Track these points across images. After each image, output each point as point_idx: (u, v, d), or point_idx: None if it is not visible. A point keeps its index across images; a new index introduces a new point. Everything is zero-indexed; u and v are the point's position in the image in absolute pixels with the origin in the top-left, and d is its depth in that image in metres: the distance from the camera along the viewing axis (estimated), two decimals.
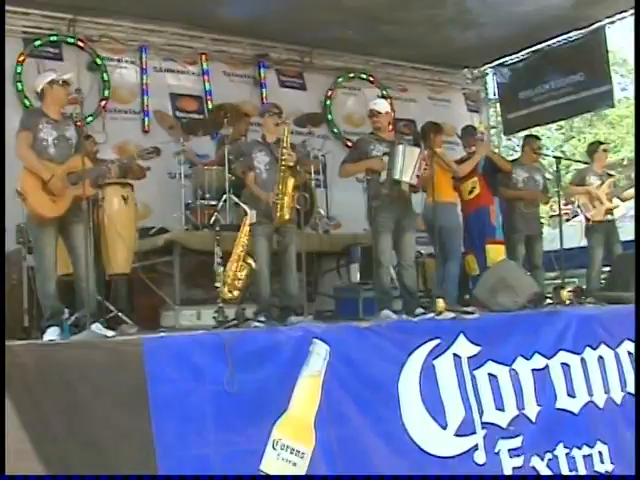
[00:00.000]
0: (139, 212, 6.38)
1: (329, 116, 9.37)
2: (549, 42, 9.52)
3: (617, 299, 6.34)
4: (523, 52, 9.88)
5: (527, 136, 8.26)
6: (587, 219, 7.69)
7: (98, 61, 8.03)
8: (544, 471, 5.03)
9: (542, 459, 5.05)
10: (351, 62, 9.62)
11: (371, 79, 9.73)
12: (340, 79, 9.55)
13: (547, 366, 5.30)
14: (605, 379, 5.55)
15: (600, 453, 5.29)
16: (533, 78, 9.85)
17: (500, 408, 5.03)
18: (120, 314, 5.69)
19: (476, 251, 7.18)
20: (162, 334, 5.01)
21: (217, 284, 5.38)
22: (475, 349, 5.04)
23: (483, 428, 4.90)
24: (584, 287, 7.84)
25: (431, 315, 5.52)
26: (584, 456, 5.22)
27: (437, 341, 4.91)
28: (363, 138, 6.38)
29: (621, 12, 8.74)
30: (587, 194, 7.60)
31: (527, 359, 5.23)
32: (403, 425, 4.63)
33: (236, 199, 6.67)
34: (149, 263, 6.74)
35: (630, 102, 20.57)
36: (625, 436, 5.42)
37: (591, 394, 5.45)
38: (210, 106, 8.51)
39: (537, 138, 8.02)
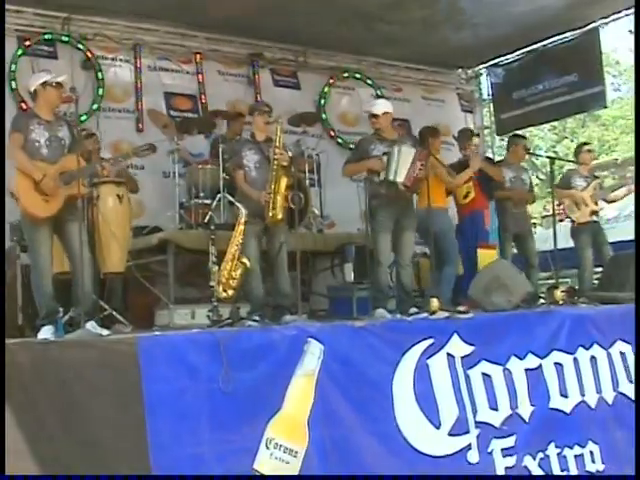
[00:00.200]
0: (133, 211, 6.37)
1: (323, 115, 9.37)
2: (543, 42, 9.53)
3: (611, 299, 6.35)
4: (517, 52, 9.89)
5: (513, 136, 8.25)
6: (572, 221, 7.79)
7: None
8: (536, 471, 5.04)
9: (534, 458, 5.05)
10: (345, 62, 9.62)
11: (368, 81, 9.73)
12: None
13: (540, 366, 5.31)
14: (597, 379, 5.57)
15: (591, 453, 5.31)
16: (527, 78, 9.86)
17: (494, 407, 5.03)
18: (114, 313, 5.70)
19: (469, 254, 7.19)
20: (156, 333, 5.01)
21: (211, 283, 5.38)
22: (469, 349, 5.04)
23: (477, 427, 4.90)
24: (577, 287, 7.88)
25: (425, 314, 5.53)
26: (575, 456, 5.23)
27: (431, 340, 4.90)
28: (365, 138, 6.41)
29: (616, 13, 8.77)
30: (571, 197, 7.71)
31: (521, 359, 5.23)
32: (397, 424, 4.62)
33: (231, 198, 6.66)
34: (143, 262, 6.71)
35: (623, 102, 20.69)
36: (616, 436, 5.44)
37: (583, 394, 5.47)
38: (204, 103, 8.50)
39: (523, 137, 8.04)
